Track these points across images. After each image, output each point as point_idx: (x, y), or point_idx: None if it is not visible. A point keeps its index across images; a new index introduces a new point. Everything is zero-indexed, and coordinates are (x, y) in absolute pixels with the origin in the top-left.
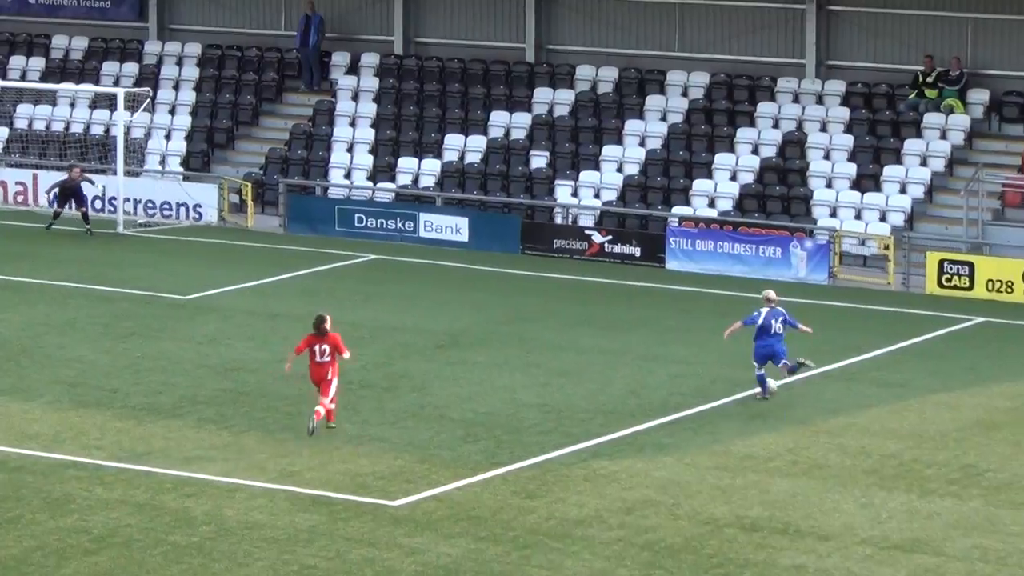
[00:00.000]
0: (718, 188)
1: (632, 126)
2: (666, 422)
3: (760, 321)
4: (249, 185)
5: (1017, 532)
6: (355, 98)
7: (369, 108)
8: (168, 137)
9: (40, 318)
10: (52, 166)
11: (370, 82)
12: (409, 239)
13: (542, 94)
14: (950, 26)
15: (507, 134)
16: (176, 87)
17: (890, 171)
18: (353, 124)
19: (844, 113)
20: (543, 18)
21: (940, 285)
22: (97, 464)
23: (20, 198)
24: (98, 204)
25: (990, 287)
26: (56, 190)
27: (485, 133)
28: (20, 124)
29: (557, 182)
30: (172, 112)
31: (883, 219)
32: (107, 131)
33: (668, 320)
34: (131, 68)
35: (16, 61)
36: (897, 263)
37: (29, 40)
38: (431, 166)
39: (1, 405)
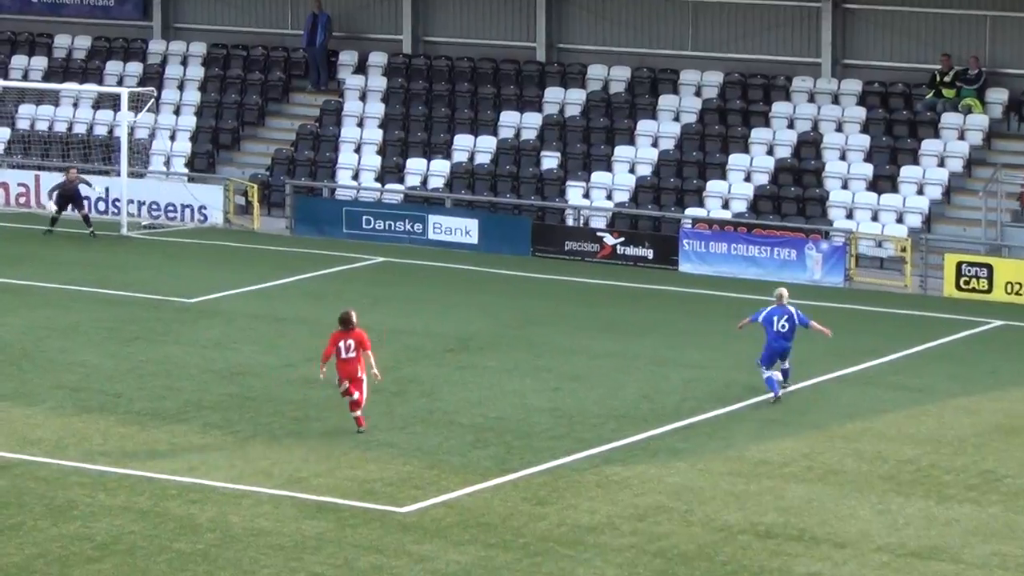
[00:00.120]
0: (732, 189)
1: (645, 126)
2: (679, 427)
3: (760, 318)
4: (255, 186)
5: None
6: (363, 98)
7: (377, 108)
8: (173, 138)
9: (42, 322)
10: (55, 167)
11: (378, 82)
12: (418, 241)
13: (553, 94)
14: (968, 24)
15: (517, 134)
16: (181, 87)
17: (907, 172)
18: (361, 124)
19: (860, 113)
20: (554, 16)
21: (958, 288)
22: (100, 470)
23: (22, 200)
24: (101, 206)
25: (1009, 289)
26: (56, 193)
27: (495, 133)
28: (22, 125)
29: (568, 183)
30: (177, 112)
31: (900, 220)
32: (111, 132)
33: (681, 323)
34: (135, 68)
35: (18, 60)
36: (914, 265)
37: (31, 39)
38: (440, 167)
39: (3, 410)
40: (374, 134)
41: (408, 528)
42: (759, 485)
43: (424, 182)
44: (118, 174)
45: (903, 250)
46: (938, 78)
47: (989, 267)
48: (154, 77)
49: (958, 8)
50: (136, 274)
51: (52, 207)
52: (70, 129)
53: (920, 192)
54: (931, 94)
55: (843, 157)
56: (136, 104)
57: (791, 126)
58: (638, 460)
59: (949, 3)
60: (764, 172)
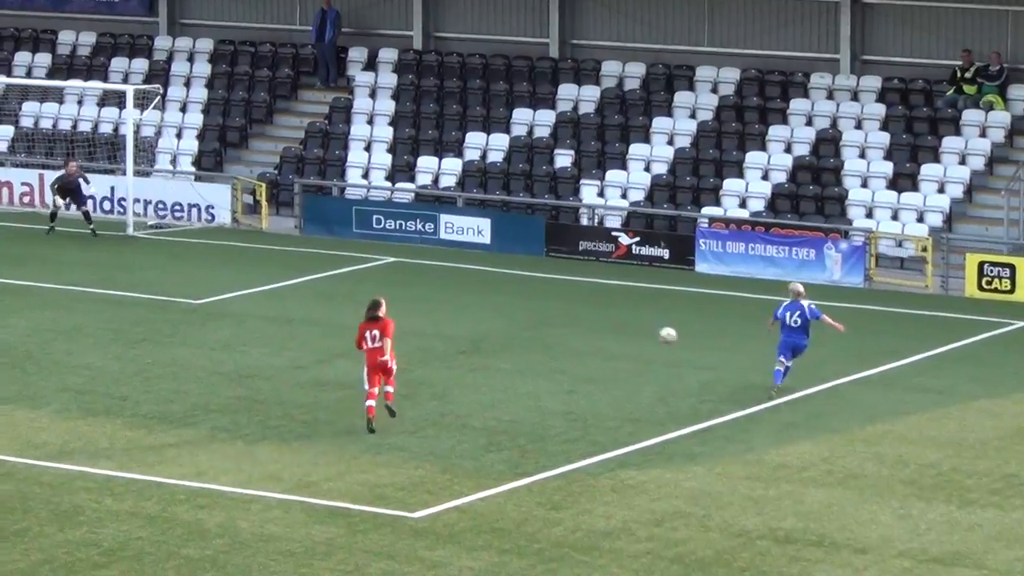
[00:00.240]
0: (749, 188)
1: (660, 124)
2: (696, 430)
3: (777, 315)
4: (263, 185)
5: None
6: (373, 95)
7: (387, 105)
8: (179, 136)
9: (47, 323)
10: (59, 166)
11: (388, 78)
12: (429, 241)
13: (567, 91)
14: (989, 19)
15: (530, 132)
16: (187, 84)
17: (928, 170)
18: (371, 122)
19: (880, 110)
20: (567, 12)
21: (980, 288)
22: (107, 475)
23: (26, 199)
24: (107, 205)
25: None
26: (57, 186)
27: (508, 131)
28: (26, 122)
29: (582, 182)
30: (183, 110)
31: (921, 220)
32: (116, 129)
33: (698, 325)
34: (141, 64)
35: (21, 57)
36: (935, 265)
37: (35, 35)
38: (452, 165)
39: (7, 414)
40: (384, 132)
41: (420, 533)
42: (778, 489)
43: (436, 181)
44: (123, 173)
45: (924, 250)
46: (959, 74)
47: (1012, 267)
48: (160, 74)
49: (979, 3)
50: (142, 275)
51: (60, 201)
52: (74, 127)
53: (941, 190)
54: (952, 91)
55: (862, 155)
56: (142, 101)
57: (809, 123)
58: (654, 464)
59: None
60: (782, 170)
